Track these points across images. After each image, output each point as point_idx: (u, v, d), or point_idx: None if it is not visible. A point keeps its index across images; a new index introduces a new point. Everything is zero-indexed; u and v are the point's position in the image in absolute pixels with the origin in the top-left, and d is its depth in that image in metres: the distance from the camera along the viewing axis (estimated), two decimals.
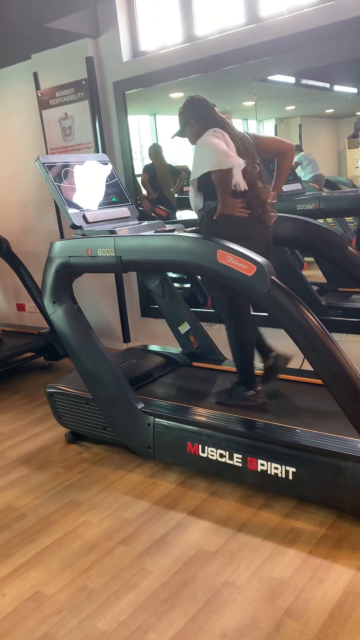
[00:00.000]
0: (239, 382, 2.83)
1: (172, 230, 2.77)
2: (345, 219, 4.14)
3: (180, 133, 2.72)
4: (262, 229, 2.61)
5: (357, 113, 3.84)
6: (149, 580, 2.07)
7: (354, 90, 3.95)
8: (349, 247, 2.80)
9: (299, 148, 4.32)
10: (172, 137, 2.78)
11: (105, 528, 2.41)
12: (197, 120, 2.60)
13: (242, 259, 2.21)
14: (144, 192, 4.58)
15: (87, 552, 2.27)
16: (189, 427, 2.62)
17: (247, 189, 2.55)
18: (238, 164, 2.45)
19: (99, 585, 2.07)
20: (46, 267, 2.88)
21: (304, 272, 3.98)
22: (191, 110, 2.63)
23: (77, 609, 1.97)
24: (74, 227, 2.88)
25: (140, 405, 2.79)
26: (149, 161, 4.53)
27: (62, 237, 4.75)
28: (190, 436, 2.59)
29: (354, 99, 3.94)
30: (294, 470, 2.29)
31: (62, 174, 3.00)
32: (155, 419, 2.71)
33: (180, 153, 4.72)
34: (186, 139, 2.72)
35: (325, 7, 3.18)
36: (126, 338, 4.69)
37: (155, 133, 4.72)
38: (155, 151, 4.51)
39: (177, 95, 4.16)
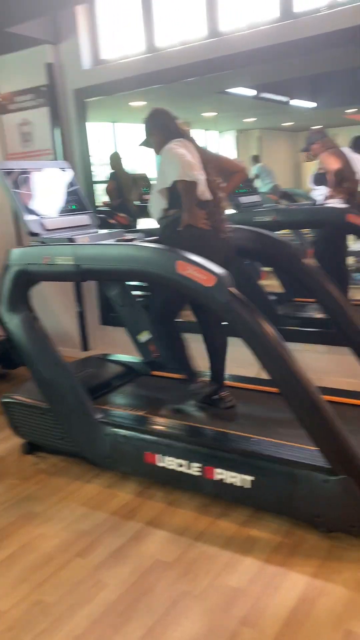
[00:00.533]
0: (187, 380, 2.96)
1: (132, 240, 2.78)
2: (302, 230, 4.25)
3: (146, 143, 2.80)
4: (221, 240, 2.65)
5: (315, 127, 3.94)
6: (105, 593, 2.05)
7: (312, 104, 4.07)
8: (304, 259, 2.87)
9: (258, 159, 4.40)
10: (139, 146, 2.84)
11: (62, 540, 2.38)
12: (161, 131, 2.68)
13: (202, 269, 2.23)
14: (106, 199, 4.57)
15: (43, 566, 2.23)
16: (147, 436, 2.61)
17: (211, 198, 2.61)
18: (199, 178, 2.50)
19: (54, 600, 2.04)
20: (3, 274, 2.83)
21: (262, 282, 4.05)
22: (155, 122, 2.72)
23: (32, 624, 1.93)
24: (31, 234, 2.84)
25: (98, 415, 2.76)
26: (109, 168, 4.53)
27: (19, 244, 4.67)
28: (148, 446, 2.58)
29: (311, 113, 4.05)
30: (250, 478, 2.32)
31: (20, 180, 2.96)
32: (113, 429, 2.69)
33: (140, 161, 4.75)
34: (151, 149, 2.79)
35: (282, 25, 3.27)
36: (85, 346, 4.65)
37: (115, 140, 4.72)
38: (117, 159, 4.51)
39: (137, 104, 4.18)
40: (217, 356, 2.92)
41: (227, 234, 2.71)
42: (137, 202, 4.64)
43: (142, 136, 2.81)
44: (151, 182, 4.60)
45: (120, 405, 2.99)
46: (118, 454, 2.69)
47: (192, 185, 2.51)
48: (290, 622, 1.85)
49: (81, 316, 4.60)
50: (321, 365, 3.53)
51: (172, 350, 2.96)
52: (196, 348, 2.96)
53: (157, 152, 2.71)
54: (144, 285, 4.34)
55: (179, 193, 2.55)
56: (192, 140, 2.67)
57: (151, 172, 4.65)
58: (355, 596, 1.93)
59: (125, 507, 2.58)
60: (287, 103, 4.20)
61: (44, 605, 2.01)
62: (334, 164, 3.58)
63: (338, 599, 1.93)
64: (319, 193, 3.71)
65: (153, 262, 2.38)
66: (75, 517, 2.54)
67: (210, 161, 2.70)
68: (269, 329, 2.19)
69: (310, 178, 3.87)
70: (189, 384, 2.92)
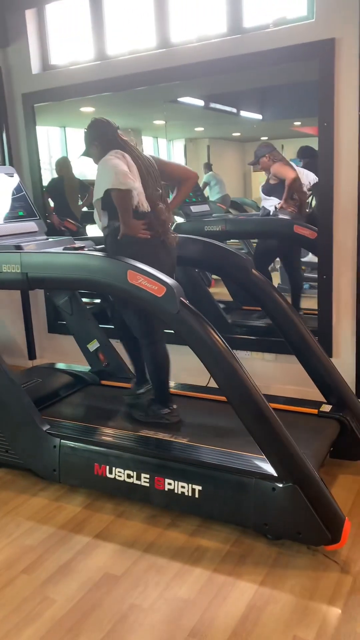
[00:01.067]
0: (155, 400, 2.86)
1: (82, 247, 2.75)
2: (251, 240, 4.31)
3: (86, 153, 2.78)
4: (164, 250, 2.67)
5: (262, 138, 4.02)
6: (52, 610, 2.01)
7: (259, 116, 4.15)
8: (253, 269, 2.92)
9: (209, 167, 4.44)
10: (79, 157, 2.82)
11: (6, 557, 2.31)
12: (100, 142, 2.66)
13: (152, 280, 2.23)
14: (52, 204, 4.51)
15: None
16: (96, 448, 2.58)
17: (149, 210, 2.61)
18: (134, 187, 2.50)
19: None
20: None
21: (211, 290, 4.09)
22: (95, 132, 2.69)
23: None
24: None
25: (46, 427, 2.71)
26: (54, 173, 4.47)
27: None
28: (97, 457, 2.55)
29: (258, 125, 4.13)
30: (199, 488, 2.32)
31: None
32: (62, 441, 2.64)
33: (91, 168, 4.71)
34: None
35: (231, 39, 3.33)
36: (32, 355, 4.54)
37: (65, 145, 4.66)
38: (64, 164, 4.45)
39: (87, 109, 4.15)
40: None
41: (171, 244, 2.71)
42: (84, 209, 4.60)
43: (82, 147, 2.77)
44: None
45: (69, 416, 2.94)
46: (67, 465, 2.64)
47: (126, 194, 2.48)
48: (239, 631, 1.86)
49: (28, 324, 4.50)
50: (268, 372, 3.59)
51: (153, 371, 2.86)
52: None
53: (97, 162, 2.69)
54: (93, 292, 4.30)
55: (113, 203, 2.54)
56: (133, 150, 2.64)
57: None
58: (301, 602, 1.97)
59: (73, 520, 2.53)
60: (234, 114, 4.28)
61: None
62: (290, 173, 3.65)
63: (285, 606, 1.96)
64: (270, 204, 3.78)
65: (104, 271, 2.36)
66: (21, 531, 2.47)
67: (153, 171, 2.68)
68: (218, 339, 2.21)
69: (261, 188, 3.93)
70: (158, 405, 2.85)
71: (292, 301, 3.65)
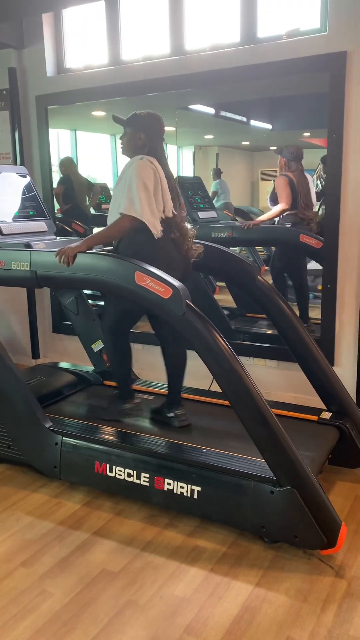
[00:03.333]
0: (117, 397, 2.98)
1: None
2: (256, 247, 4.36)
3: (124, 127, 2.67)
4: (181, 257, 2.68)
5: (271, 148, 4.07)
6: (49, 603, 2.03)
7: (269, 126, 4.20)
8: (258, 276, 2.96)
9: (218, 173, 4.48)
10: (114, 119, 2.72)
11: (6, 550, 2.34)
12: (146, 139, 2.61)
13: (159, 281, 2.27)
14: (57, 206, 4.55)
15: None
16: (97, 446, 2.61)
17: (172, 215, 2.62)
18: (148, 220, 2.48)
19: None
20: None
21: (216, 296, 4.13)
22: (148, 126, 2.63)
23: None
24: None
25: (48, 424, 2.74)
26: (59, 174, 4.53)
27: None
28: (98, 455, 2.58)
29: (268, 135, 4.18)
30: (198, 489, 2.35)
31: None
32: (64, 438, 2.67)
33: (100, 170, 4.76)
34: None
35: (244, 49, 3.38)
36: (35, 354, 4.57)
37: (75, 148, 4.71)
38: (70, 164, 4.50)
39: (99, 113, 4.20)
40: (174, 374, 2.86)
41: (194, 257, 2.72)
42: (93, 211, 4.65)
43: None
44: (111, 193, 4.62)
45: (71, 414, 2.97)
46: (67, 463, 2.67)
47: (133, 222, 2.47)
48: (233, 630, 1.88)
49: (32, 323, 4.53)
50: (270, 379, 3.62)
51: (118, 364, 2.98)
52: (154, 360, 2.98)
53: (127, 153, 2.67)
54: (99, 294, 4.34)
55: None
56: (164, 165, 2.64)
57: (111, 182, 4.67)
58: (296, 604, 1.99)
59: (72, 516, 2.56)
60: (244, 123, 4.33)
61: None
62: (283, 200, 3.68)
63: (280, 607, 1.98)
64: None
65: (112, 271, 2.40)
66: (20, 526, 2.50)
67: (176, 187, 2.71)
68: (223, 342, 2.24)
69: (268, 197, 3.97)
70: (121, 401, 2.95)
71: None
